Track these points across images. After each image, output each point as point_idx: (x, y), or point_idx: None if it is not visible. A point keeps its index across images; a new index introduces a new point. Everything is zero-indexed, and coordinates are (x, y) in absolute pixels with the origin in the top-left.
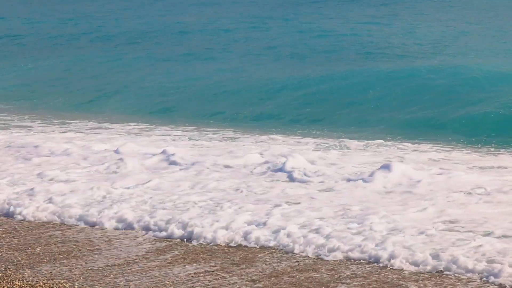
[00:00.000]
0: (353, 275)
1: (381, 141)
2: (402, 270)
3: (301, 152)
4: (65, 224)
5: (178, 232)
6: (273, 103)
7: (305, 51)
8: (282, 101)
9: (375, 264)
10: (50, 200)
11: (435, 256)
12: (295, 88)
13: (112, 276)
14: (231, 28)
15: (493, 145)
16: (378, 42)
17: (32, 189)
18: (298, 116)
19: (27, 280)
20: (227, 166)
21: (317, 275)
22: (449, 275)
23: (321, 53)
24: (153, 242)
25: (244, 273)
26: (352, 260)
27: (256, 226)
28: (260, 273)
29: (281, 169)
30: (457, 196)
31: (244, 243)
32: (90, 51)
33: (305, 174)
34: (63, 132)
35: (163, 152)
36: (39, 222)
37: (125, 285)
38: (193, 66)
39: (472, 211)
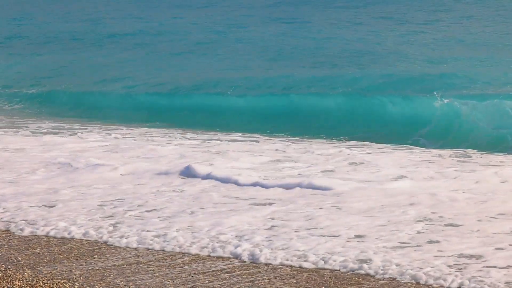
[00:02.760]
0: None
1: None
2: None
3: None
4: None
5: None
6: None
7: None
8: None
9: None
10: None
11: None
12: None
13: (112, 276)
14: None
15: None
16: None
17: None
18: None
19: (27, 280)
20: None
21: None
22: None
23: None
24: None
25: (244, 273)
26: None
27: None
28: (260, 274)
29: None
30: None
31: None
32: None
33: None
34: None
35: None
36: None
37: (125, 285)
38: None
39: None
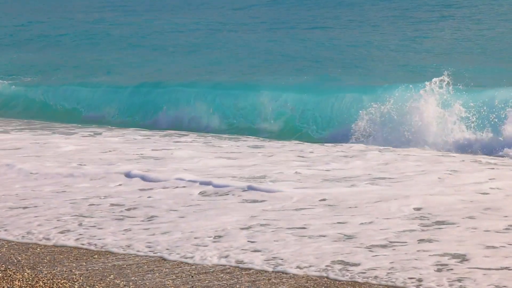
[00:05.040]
0: None
1: None
2: None
3: None
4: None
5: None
6: None
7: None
8: None
9: None
10: None
11: None
12: None
13: (112, 276)
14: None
15: None
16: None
17: None
18: None
19: (27, 280)
20: None
21: None
22: None
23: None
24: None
25: (244, 274)
26: None
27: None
28: (260, 274)
29: None
30: None
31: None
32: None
33: None
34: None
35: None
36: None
37: (125, 285)
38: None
39: None
